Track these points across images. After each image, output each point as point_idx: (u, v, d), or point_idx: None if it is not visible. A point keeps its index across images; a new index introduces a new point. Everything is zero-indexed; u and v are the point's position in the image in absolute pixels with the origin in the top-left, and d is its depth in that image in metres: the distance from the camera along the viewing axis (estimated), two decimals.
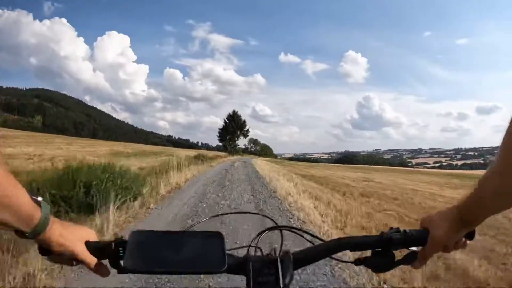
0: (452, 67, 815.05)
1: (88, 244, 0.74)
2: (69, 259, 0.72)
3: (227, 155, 57.73)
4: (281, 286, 0.70)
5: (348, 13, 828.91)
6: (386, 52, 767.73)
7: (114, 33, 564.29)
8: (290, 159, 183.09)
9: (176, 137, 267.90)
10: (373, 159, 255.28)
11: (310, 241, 0.89)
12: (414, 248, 0.81)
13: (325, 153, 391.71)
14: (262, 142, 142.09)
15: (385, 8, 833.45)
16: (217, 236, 0.73)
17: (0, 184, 0.56)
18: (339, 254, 0.84)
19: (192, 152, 38.88)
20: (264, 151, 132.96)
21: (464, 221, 0.75)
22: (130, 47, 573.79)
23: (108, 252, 0.73)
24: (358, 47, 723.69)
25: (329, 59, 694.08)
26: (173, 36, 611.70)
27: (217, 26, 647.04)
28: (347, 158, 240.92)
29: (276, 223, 0.98)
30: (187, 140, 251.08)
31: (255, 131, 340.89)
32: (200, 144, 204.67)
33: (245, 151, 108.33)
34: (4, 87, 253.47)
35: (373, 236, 0.81)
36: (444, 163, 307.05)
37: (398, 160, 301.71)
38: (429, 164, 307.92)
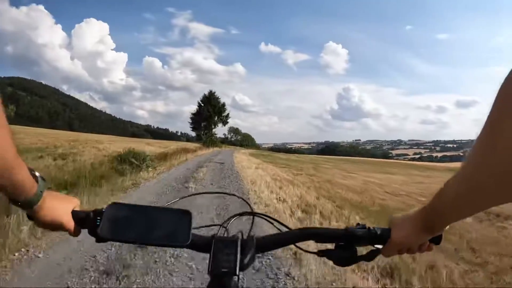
0: (433, 61, 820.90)
1: (73, 213, 0.77)
2: (56, 227, 0.75)
3: (199, 148, 39.51)
4: (238, 265, 0.71)
5: (330, 4, 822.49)
6: (367, 44, 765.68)
7: (92, 20, 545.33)
8: (271, 149, 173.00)
9: (155, 127, 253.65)
10: (355, 150, 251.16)
11: (278, 229, 0.88)
12: (379, 246, 0.79)
13: (305, 143, 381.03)
14: (242, 131, 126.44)
15: (367, 0, 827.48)
16: (186, 214, 0.76)
17: (5, 154, 0.57)
18: (304, 243, 0.85)
19: (136, 144, 22.24)
20: (245, 141, 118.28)
21: (427, 226, 0.71)
22: (109, 34, 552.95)
23: (87, 222, 0.76)
24: (339, 39, 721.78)
25: (310, 50, 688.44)
26: (152, 24, 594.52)
27: (197, 14, 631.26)
28: (329, 149, 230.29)
29: (251, 208, 0.99)
30: (166, 130, 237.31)
31: (235, 120, 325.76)
32: (179, 134, 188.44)
33: (224, 141, 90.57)
34: None
35: (338, 229, 0.81)
36: (424, 155, 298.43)
37: (379, 151, 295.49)
38: (409, 155, 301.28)
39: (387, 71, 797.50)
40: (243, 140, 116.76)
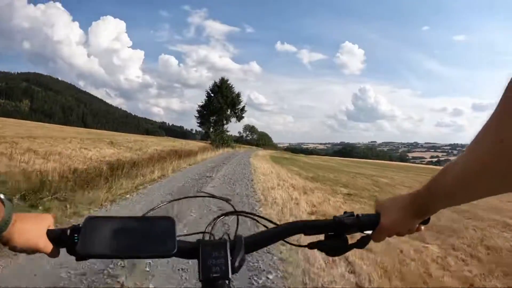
0: (449, 63, 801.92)
1: (48, 233, 0.70)
2: (32, 250, 0.68)
3: (203, 149, 27.87)
4: (230, 268, 0.68)
5: (346, 3, 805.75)
6: (383, 44, 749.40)
7: (109, 18, 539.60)
8: (286, 149, 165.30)
9: (170, 124, 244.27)
10: (372, 152, 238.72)
11: (265, 226, 0.85)
12: (368, 232, 0.78)
13: (320, 144, 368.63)
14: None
15: (384, 0, 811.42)
16: (169, 220, 0.72)
17: None
18: (293, 238, 0.83)
19: (88, 143, 13.93)
20: (262, 140, 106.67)
21: (418, 210, 0.70)
22: (125, 32, 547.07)
23: (64, 240, 0.70)
24: (355, 39, 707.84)
25: (326, 50, 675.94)
26: (168, 22, 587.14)
27: (213, 12, 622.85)
28: (345, 150, 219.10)
29: (234, 208, 0.93)
30: (181, 127, 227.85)
31: (250, 119, 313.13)
32: (194, 132, 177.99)
33: (238, 140, 78.37)
34: None
35: (326, 220, 0.79)
36: (441, 158, 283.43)
37: (395, 153, 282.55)
38: (426, 158, 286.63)
39: (402, 72, 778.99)
40: (259, 139, 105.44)
